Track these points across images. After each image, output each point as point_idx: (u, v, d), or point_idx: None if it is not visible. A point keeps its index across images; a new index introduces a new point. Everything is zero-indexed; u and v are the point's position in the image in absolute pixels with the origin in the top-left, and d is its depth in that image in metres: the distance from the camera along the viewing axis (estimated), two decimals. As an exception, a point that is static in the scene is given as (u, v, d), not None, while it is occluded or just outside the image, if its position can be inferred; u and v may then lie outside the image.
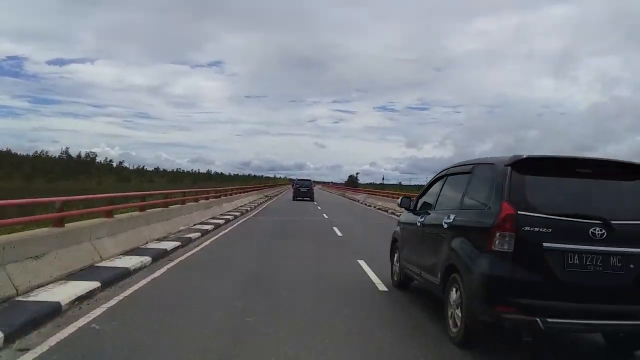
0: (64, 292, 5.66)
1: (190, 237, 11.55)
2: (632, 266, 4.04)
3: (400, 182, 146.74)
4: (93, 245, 7.76)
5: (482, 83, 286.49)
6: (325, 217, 21.30)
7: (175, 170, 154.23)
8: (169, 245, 10.00)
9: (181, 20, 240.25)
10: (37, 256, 6.12)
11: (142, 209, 11.28)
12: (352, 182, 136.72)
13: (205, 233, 13.25)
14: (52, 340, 4.35)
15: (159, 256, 8.89)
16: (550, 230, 4.06)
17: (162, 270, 7.81)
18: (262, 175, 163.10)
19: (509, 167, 4.39)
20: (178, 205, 14.43)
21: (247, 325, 4.96)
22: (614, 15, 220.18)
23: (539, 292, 4.03)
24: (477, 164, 5.22)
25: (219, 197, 21.64)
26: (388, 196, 35.32)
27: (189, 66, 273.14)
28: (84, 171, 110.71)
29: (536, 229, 4.07)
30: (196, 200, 18.45)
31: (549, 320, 3.87)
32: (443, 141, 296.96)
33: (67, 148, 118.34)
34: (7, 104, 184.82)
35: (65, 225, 7.26)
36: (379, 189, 73.28)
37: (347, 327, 5.01)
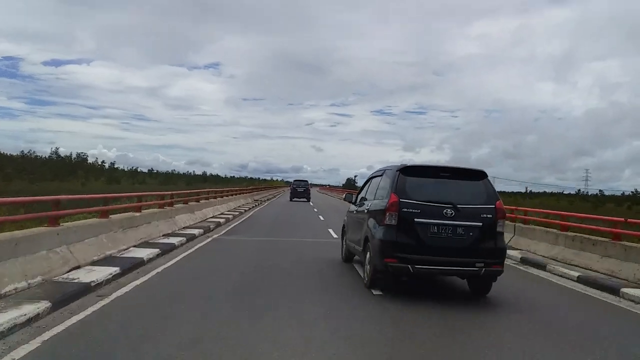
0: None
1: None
2: (471, 234, 6.68)
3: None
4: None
5: (479, 87, 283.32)
6: (333, 235, 14.08)
7: (170, 172, 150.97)
8: None
9: (179, 22, 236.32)
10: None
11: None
12: (350, 186, 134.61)
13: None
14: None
15: None
16: (419, 211, 6.65)
17: None
18: (259, 178, 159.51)
19: (398, 172, 7.01)
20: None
21: None
22: (614, 18, 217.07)
23: (412, 250, 6.60)
24: (385, 169, 7.88)
25: (186, 202, 16.02)
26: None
27: (186, 68, 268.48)
28: (73, 172, 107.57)
29: (411, 210, 6.66)
30: (161, 206, 13.16)
31: (416, 267, 6.56)
32: (440, 145, 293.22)
33: (57, 148, 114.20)
34: (4, 105, 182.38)
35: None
36: None
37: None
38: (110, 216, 9.14)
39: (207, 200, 19.51)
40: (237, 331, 4.84)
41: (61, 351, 4.19)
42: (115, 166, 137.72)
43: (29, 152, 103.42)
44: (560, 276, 9.16)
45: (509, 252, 9.93)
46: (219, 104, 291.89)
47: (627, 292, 7.60)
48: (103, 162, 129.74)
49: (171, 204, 14.25)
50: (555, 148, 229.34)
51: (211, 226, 15.08)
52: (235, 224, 17.32)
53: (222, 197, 23.00)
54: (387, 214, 6.67)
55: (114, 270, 7.05)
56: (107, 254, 8.14)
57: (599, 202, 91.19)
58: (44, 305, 5.11)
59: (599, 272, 9.20)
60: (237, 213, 21.23)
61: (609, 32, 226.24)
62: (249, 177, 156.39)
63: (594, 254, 9.84)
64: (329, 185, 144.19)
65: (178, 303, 5.84)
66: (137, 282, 6.95)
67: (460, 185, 7.10)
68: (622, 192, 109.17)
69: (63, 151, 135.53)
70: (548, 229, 12.07)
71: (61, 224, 7.29)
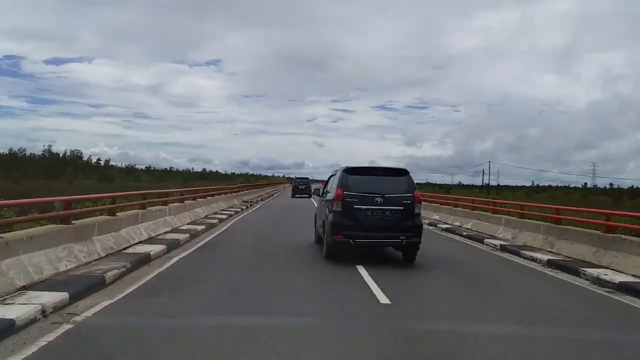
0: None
1: None
2: (395, 215, 8.99)
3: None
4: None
5: (481, 81, 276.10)
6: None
7: (167, 168, 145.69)
8: None
9: (179, 18, 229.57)
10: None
11: None
12: None
13: None
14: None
15: None
16: (357, 199, 8.98)
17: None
18: (260, 174, 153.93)
19: (343, 171, 9.49)
20: None
21: None
22: (617, 9, 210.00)
23: (352, 228, 8.90)
24: (337, 170, 10.20)
25: (113, 213, 9.36)
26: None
27: (187, 65, 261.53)
28: (66, 170, 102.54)
29: (351, 199, 8.99)
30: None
31: (356, 240, 8.91)
32: (442, 139, 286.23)
33: (50, 146, 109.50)
34: (5, 104, 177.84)
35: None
36: None
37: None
38: None
39: (160, 208, 12.55)
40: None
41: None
42: (111, 164, 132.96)
43: (18, 150, 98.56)
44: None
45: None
46: (220, 100, 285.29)
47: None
48: (99, 159, 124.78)
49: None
50: (558, 141, 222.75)
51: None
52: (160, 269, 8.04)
53: (193, 199, 16.44)
54: (335, 202, 9.23)
55: None
56: None
57: (607, 195, 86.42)
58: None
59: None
60: (203, 227, 13.71)
61: (612, 23, 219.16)
62: (250, 173, 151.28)
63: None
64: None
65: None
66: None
67: (388, 180, 9.56)
68: (631, 185, 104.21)
69: (57, 149, 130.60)
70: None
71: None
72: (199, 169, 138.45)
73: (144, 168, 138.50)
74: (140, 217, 10.76)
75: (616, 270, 8.61)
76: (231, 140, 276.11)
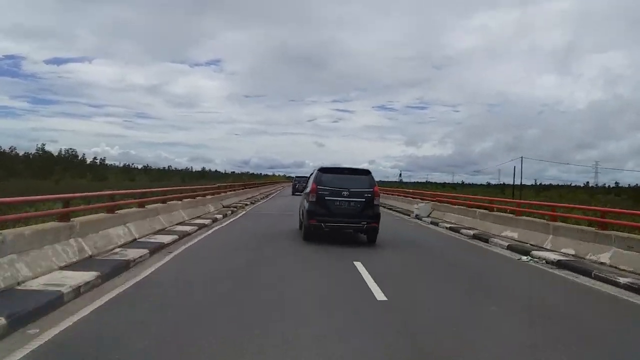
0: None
1: None
2: (358, 205, 10.92)
3: (401, 180, 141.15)
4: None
5: (481, 81, 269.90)
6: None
7: (165, 168, 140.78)
8: None
9: (179, 18, 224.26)
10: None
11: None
12: None
13: None
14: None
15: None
16: (328, 192, 10.90)
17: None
18: (261, 174, 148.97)
19: (318, 170, 11.43)
20: None
21: None
22: (617, 9, 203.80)
23: (324, 215, 10.88)
24: (314, 169, 11.95)
25: None
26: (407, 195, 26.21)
27: (187, 65, 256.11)
28: (58, 169, 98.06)
29: (323, 192, 10.91)
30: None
31: (327, 224, 10.94)
32: (442, 140, 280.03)
33: (44, 145, 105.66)
34: (6, 104, 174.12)
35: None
36: (387, 187, 58.24)
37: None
38: None
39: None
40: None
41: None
42: (108, 163, 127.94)
43: (9, 148, 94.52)
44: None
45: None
46: (220, 100, 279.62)
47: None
48: (95, 158, 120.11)
49: None
50: (558, 141, 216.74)
51: None
52: None
53: (140, 206, 10.38)
54: (310, 194, 11.21)
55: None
56: None
57: (618, 194, 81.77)
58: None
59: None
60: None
61: (612, 22, 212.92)
62: (250, 172, 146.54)
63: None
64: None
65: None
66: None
67: (353, 178, 11.40)
68: (636, 184, 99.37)
69: (56, 148, 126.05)
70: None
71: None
72: (201, 169, 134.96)
73: (141, 167, 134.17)
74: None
75: None
76: (232, 140, 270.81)
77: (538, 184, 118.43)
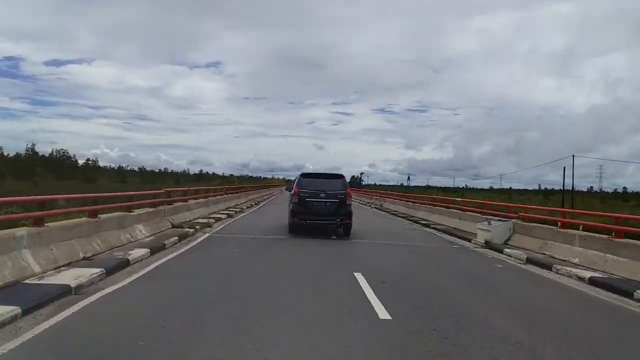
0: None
1: None
2: (334, 205, 12.52)
3: (401, 183, 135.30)
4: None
5: (480, 85, 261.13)
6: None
7: (161, 170, 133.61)
8: None
9: (179, 20, 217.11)
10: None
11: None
12: (355, 183, 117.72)
13: None
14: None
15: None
16: (308, 194, 12.49)
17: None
18: (260, 176, 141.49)
19: (300, 176, 13.34)
20: None
21: None
22: (618, 12, 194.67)
23: (304, 213, 12.46)
24: (298, 175, 13.57)
25: None
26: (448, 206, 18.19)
27: (187, 67, 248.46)
28: (46, 171, 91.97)
29: (304, 194, 12.49)
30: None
31: (307, 222, 12.51)
32: (442, 143, 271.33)
33: (34, 145, 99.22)
34: (6, 106, 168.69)
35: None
36: (394, 191, 50.70)
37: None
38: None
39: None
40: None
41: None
42: (101, 165, 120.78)
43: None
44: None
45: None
46: (220, 103, 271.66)
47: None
48: (88, 160, 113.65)
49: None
50: (558, 145, 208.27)
51: None
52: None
53: None
54: (293, 196, 12.77)
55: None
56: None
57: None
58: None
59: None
60: None
61: (612, 27, 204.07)
62: (249, 175, 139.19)
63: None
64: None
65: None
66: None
67: (330, 182, 12.99)
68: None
69: (45, 150, 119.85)
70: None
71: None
72: (203, 172, 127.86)
73: (136, 169, 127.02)
74: None
75: None
76: (231, 143, 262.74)
77: (544, 188, 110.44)
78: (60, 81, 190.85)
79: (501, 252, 10.95)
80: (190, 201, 15.44)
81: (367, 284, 6.76)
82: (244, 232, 13.01)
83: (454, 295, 6.53)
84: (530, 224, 11.66)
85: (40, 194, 11.73)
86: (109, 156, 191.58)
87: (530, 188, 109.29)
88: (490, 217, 13.08)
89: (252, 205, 25.60)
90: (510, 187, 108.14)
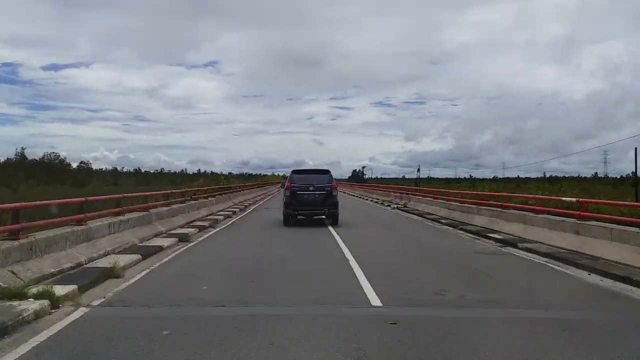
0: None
1: None
2: (321, 197, 14.43)
3: (403, 176, 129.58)
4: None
5: (478, 75, 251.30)
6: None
7: (158, 171, 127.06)
8: None
9: (176, 21, 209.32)
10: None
11: None
12: (357, 178, 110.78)
13: None
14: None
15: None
16: (299, 188, 14.41)
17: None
18: (260, 174, 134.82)
19: (292, 172, 15.23)
20: None
21: None
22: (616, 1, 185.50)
23: (296, 205, 14.46)
24: (291, 171, 15.49)
25: None
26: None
27: (185, 67, 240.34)
28: (29, 176, 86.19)
29: (296, 188, 14.44)
30: None
31: (299, 212, 14.65)
32: (442, 134, 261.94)
33: (24, 149, 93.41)
34: (4, 112, 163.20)
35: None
36: (398, 184, 44.03)
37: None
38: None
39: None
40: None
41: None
42: (94, 167, 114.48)
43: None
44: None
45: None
46: (218, 101, 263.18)
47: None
48: (82, 162, 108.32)
49: None
50: (558, 132, 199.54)
51: None
52: None
53: None
54: (286, 190, 14.57)
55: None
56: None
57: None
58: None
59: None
60: None
61: (611, 14, 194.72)
62: (247, 173, 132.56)
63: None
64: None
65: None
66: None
67: (318, 176, 14.71)
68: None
69: (70, 156, 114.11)
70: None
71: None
72: (203, 171, 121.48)
73: (132, 171, 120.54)
74: None
75: None
76: (231, 141, 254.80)
77: (549, 175, 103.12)
78: (59, 85, 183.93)
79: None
80: (113, 219, 8.36)
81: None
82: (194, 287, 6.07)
83: None
84: None
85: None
86: (108, 158, 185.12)
87: (533, 176, 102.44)
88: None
89: (231, 215, 18.43)
90: (519, 176, 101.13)
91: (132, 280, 6.53)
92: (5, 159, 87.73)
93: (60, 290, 5.21)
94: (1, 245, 5.55)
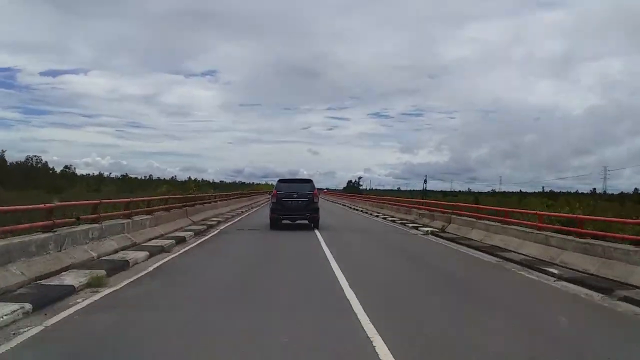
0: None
1: None
2: (304, 203, 15.99)
3: (398, 187, 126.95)
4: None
5: (475, 89, 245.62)
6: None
7: (146, 177, 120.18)
8: None
9: (177, 30, 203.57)
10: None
11: None
12: (352, 188, 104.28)
13: None
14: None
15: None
16: (284, 195, 16.00)
17: None
18: (253, 182, 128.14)
19: (278, 181, 16.90)
20: None
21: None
22: (613, 16, 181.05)
23: (281, 211, 15.93)
24: (277, 180, 17.12)
25: None
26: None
27: (183, 75, 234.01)
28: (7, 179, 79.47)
29: (281, 195, 16.04)
30: None
31: (284, 217, 16.06)
32: (438, 146, 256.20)
33: (4, 151, 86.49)
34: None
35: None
36: (394, 196, 37.77)
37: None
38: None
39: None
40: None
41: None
42: (77, 172, 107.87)
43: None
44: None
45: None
46: (214, 110, 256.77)
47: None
48: (66, 167, 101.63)
49: None
50: (555, 147, 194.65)
51: None
52: None
53: None
54: (272, 197, 16.17)
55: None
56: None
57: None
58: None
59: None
60: None
61: (607, 31, 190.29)
62: (241, 181, 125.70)
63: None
64: (326, 189, 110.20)
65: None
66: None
67: (301, 185, 16.37)
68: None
69: (59, 161, 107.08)
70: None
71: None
72: (195, 179, 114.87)
73: (119, 176, 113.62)
74: None
75: None
76: (225, 149, 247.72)
77: (548, 190, 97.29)
78: (55, 90, 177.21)
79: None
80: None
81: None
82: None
83: None
84: None
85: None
86: (99, 164, 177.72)
87: (529, 191, 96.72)
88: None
89: (159, 250, 11.65)
90: (521, 190, 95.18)
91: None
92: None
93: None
94: None
